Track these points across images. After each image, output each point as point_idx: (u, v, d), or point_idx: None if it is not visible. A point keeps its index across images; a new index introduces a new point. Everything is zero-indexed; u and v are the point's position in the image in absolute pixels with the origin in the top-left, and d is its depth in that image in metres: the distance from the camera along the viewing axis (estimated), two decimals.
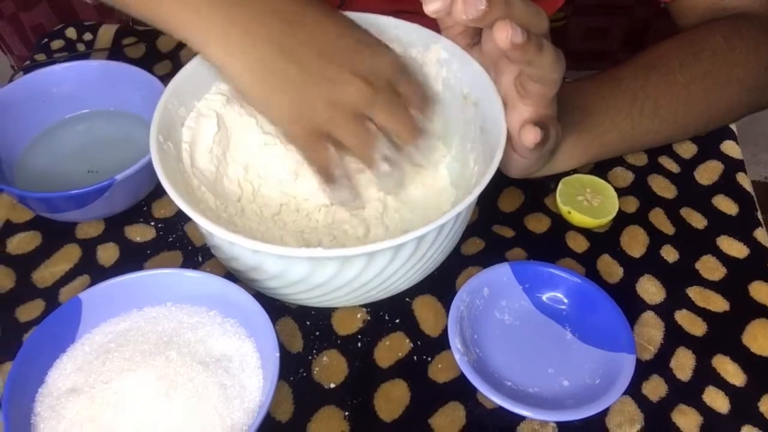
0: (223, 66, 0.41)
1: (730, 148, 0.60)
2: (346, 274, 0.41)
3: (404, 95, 0.44)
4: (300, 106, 0.41)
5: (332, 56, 0.41)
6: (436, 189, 0.51)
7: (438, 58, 0.50)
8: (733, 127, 0.62)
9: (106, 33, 0.70)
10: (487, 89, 0.47)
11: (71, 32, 0.70)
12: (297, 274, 0.41)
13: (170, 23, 0.41)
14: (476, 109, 0.48)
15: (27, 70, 0.63)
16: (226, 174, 0.48)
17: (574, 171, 0.57)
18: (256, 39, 0.40)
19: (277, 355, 0.39)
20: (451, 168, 0.52)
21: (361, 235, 0.47)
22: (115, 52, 0.68)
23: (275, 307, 0.47)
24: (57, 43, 0.69)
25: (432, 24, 0.48)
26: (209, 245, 0.46)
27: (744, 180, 0.58)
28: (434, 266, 0.46)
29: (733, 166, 0.59)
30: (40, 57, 0.68)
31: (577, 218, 0.52)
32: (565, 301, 0.47)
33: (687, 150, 0.60)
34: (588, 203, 0.53)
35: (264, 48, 0.40)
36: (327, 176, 0.44)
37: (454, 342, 0.43)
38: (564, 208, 0.53)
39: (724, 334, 0.47)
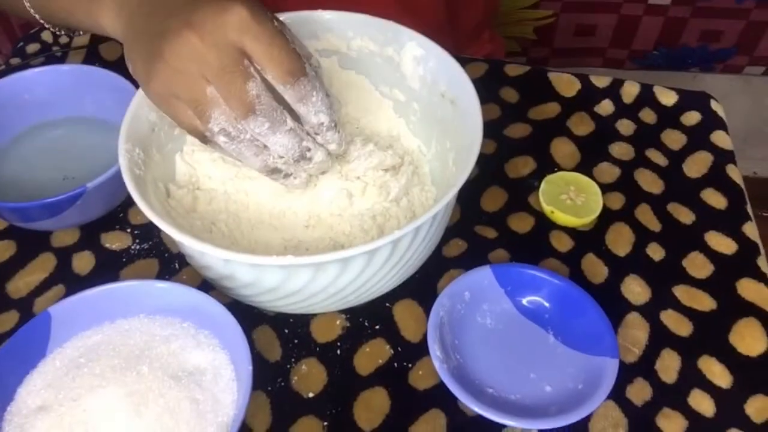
0: (114, 35, 0.44)
1: (720, 138, 0.59)
2: (321, 280, 0.40)
3: (255, 59, 0.39)
4: (150, 66, 0.39)
5: (171, 10, 0.39)
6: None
7: (414, 56, 0.49)
8: (723, 116, 0.61)
9: (83, 36, 0.68)
10: (464, 87, 0.46)
11: (47, 35, 0.69)
12: (270, 282, 0.40)
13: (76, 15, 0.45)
14: (454, 107, 0.47)
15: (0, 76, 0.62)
16: (198, 185, 0.48)
17: (558, 168, 0.56)
18: (127, 5, 0.42)
19: (250, 368, 0.38)
20: (432, 167, 0.51)
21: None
22: (92, 54, 0.66)
23: (252, 315, 0.46)
24: (33, 47, 0.68)
25: (435, 23, 0.46)
26: (184, 254, 0.45)
27: (734, 172, 0.56)
28: (413, 269, 0.45)
29: (723, 158, 0.57)
30: (15, 61, 0.66)
31: (561, 218, 0.51)
32: (547, 305, 0.46)
33: (676, 140, 0.59)
34: (571, 202, 0.52)
35: (130, 16, 0.42)
36: (199, 137, 0.41)
37: (434, 349, 0.42)
38: (547, 208, 0.52)
39: (710, 334, 0.46)
